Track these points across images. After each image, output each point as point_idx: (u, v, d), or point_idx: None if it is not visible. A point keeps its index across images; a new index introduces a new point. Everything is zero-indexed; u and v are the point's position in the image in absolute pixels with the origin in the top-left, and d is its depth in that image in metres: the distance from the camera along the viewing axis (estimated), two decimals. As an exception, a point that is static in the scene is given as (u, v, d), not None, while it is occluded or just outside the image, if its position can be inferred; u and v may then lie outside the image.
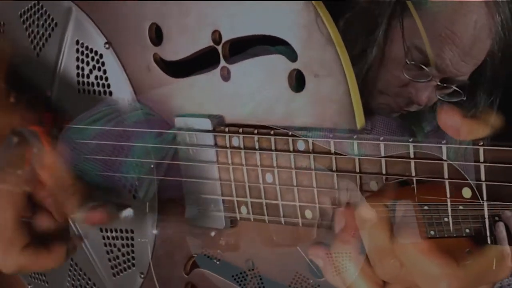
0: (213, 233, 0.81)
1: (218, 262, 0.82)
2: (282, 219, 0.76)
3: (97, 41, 0.84)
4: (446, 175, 0.65)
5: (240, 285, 0.81)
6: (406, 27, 1.16)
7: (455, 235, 0.66)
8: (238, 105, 0.77)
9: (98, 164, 0.83)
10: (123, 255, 0.89)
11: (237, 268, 0.81)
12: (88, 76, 0.85)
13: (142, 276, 0.88)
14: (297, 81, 0.73)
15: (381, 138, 0.68)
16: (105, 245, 0.90)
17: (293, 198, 0.75)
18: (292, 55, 0.72)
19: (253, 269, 0.80)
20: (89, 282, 0.93)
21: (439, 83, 1.19)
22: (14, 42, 0.90)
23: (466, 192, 0.64)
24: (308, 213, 0.74)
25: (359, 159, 0.69)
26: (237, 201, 0.78)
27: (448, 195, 0.65)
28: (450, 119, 0.63)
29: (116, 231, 0.89)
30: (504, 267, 0.65)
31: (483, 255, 0.65)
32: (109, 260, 0.90)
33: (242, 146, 0.76)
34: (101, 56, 0.84)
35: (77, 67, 0.86)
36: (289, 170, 0.74)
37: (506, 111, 0.66)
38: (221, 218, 0.79)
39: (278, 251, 0.79)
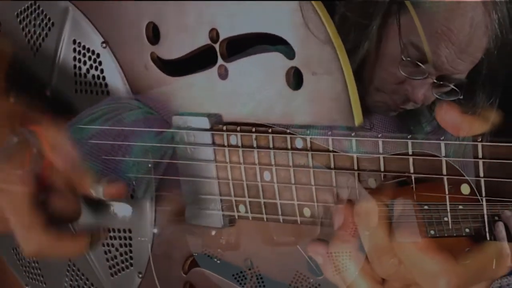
0: (213, 232, 0.81)
1: (217, 261, 0.82)
2: (281, 218, 0.76)
3: (94, 41, 0.84)
4: (444, 172, 0.65)
5: (240, 284, 0.81)
6: (403, 24, 1.16)
7: (455, 235, 0.66)
8: (236, 103, 0.77)
9: (96, 163, 0.82)
10: (121, 254, 0.89)
11: (236, 267, 0.81)
12: (85, 76, 0.85)
13: (140, 275, 0.88)
14: (295, 79, 0.73)
15: (380, 135, 0.68)
16: (103, 244, 0.90)
17: (292, 196, 0.75)
18: (289, 53, 0.72)
19: (251, 269, 0.80)
20: (87, 282, 0.93)
21: (435, 81, 1.19)
22: (11, 42, 0.90)
23: (465, 189, 0.64)
24: (307, 211, 0.74)
25: (357, 156, 0.69)
26: (235, 199, 0.78)
27: (447, 192, 0.65)
28: (448, 115, 0.63)
29: (114, 231, 0.89)
30: (502, 263, 0.65)
31: (482, 252, 0.65)
32: (107, 260, 0.90)
33: (240, 144, 0.76)
34: (98, 55, 0.84)
35: (74, 66, 0.86)
36: (287, 168, 0.74)
37: (504, 108, 0.66)
38: (219, 217, 0.79)
39: (278, 250, 0.79)
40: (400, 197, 0.66)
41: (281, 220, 0.76)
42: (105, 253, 0.90)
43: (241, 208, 0.78)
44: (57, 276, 0.97)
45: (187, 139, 0.79)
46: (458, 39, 1.15)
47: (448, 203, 0.65)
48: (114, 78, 0.83)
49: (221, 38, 0.75)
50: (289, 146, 0.73)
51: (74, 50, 0.85)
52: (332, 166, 0.71)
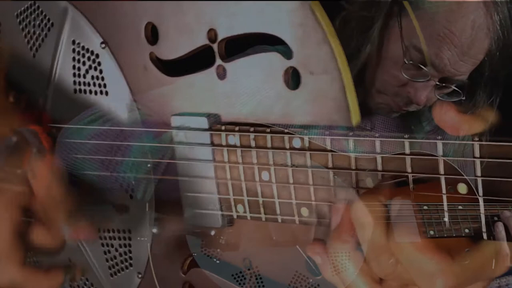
0: (212, 232, 0.81)
1: (216, 261, 0.82)
2: (279, 217, 0.76)
3: (93, 41, 0.84)
4: (441, 171, 0.65)
5: (239, 284, 0.81)
6: (405, 26, 1.16)
7: (454, 235, 0.66)
8: (234, 103, 0.77)
9: (95, 165, 0.83)
10: (120, 255, 0.89)
11: (235, 267, 0.81)
12: (84, 76, 0.85)
13: (140, 276, 0.88)
14: (293, 79, 0.73)
15: (377, 135, 0.68)
16: (103, 245, 0.90)
17: (290, 196, 0.75)
18: (287, 53, 0.72)
19: (250, 269, 0.80)
20: (86, 282, 0.93)
21: (437, 83, 1.19)
22: (11, 42, 0.90)
23: (462, 188, 0.64)
24: (305, 211, 0.74)
25: (355, 156, 0.69)
26: (233, 199, 0.78)
27: (444, 191, 0.65)
28: (445, 115, 0.63)
29: (113, 231, 0.89)
30: (501, 263, 0.65)
31: (480, 251, 0.65)
32: (107, 260, 0.90)
33: (238, 144, 0.76)
34: (97, 56, 0.84)
35: (74, 67, 0.86)
36: (286, 168, 0.74)
37: (502, 107, 0.66)
38: (218, 216, 0.79)
39: (277, 250, 0.79)
40: (399, 197, 0.66)
41: (279, 220, 0.76)
42: (105, 253, 0.90)
43: (240, 208, 0.78)
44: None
45: (186, 139, 0.79)
46: (460, 41, 1.14)
47: (446, 203, 0.65)
48: (113, 78, 0.83)
49: (219, 38, 0.75)
50: (287, 146, 0.73)
51: (74, 50, 0.86)
52: (330, 165, 0.71)
